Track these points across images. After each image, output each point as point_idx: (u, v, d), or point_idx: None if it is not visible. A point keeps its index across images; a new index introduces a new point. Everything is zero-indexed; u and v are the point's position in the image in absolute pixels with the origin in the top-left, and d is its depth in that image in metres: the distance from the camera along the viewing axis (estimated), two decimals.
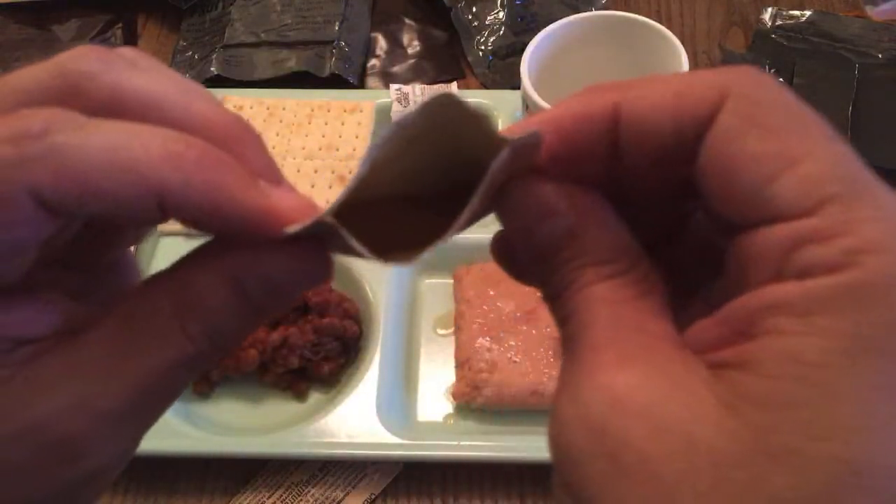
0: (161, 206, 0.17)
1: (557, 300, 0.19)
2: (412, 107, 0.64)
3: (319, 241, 0.19)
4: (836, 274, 0.15)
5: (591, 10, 0.66)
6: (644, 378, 0.17)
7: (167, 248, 0.56)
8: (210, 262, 0.19)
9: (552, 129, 0.19)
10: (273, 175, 0.20)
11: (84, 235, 0.20)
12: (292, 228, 0.18)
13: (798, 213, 0.16)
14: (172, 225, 0.19)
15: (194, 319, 0.19)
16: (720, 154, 0.17)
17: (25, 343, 0.18)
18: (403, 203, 0.20)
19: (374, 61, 0.74)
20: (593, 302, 0.18)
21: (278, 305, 0.20)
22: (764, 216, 0.17)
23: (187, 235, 0.19)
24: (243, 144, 0.19)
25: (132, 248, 0.24)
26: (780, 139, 0.17)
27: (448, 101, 0.17)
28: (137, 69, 0.19)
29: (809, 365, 0.15)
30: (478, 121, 0.17)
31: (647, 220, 0.21)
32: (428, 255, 0.18)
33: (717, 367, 0.17)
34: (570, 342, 0.18)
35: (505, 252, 0.22)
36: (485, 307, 0.53)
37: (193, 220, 0.18)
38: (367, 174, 0.18)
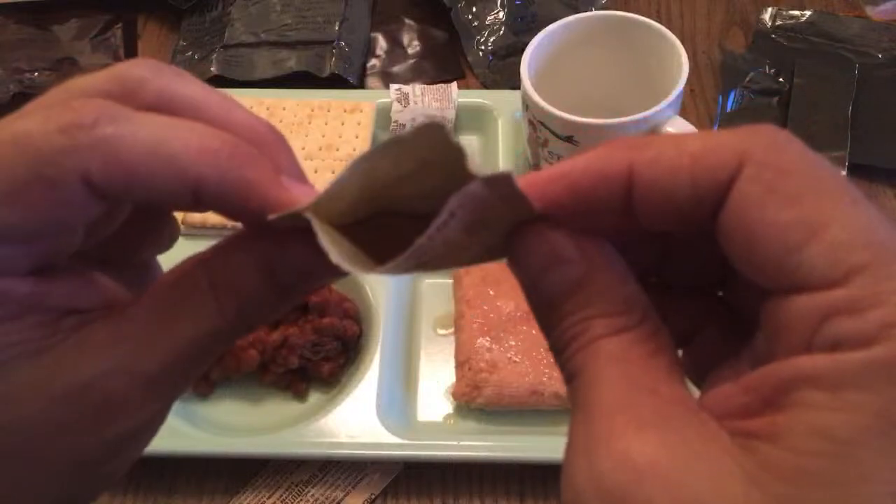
0: (196, 195, 0.19)
1: (564, 353, 0.19)
2: (412, 106, 0.65)
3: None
4: (868, 348, 0.15)
5: (591, 10, 0.66)
6: (662, 447, 0.16)
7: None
8: (245, 246, 0.21)
9: (565, 184, 0.19)
10: (297, 174, 0.22)
11: (121, 235, 0.22)
12: (275, 215, 0.19)
13: (827, 284, 0.16)
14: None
15: (228, 296, 0.20)
16: (741, 222, 0.17)
17: (73, 313, 0.20)
18: (401, 225, 0.20)
19: (374, 61, 0.74)
20: (602, 359, 0.18)
21: (303, 292, 0.22)
22: (792, 285, 0.16)
23: (189, 236, 0.20)
24: (273, 147, 0.21)
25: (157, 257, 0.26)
26: (802, 206, 0.16)
27: (435, 128, 0.18)
28: (184, 79, 0.21)
29: (839, 442, 0.15)
30: (456, 154, 0.18)
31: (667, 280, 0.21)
32: (391, 272, 0.19)
33: (742, 436, 0.16)
34: (580, 400, 0.18)
35: None
36: (485, 307, 0.53)
37: (224, 209, 0.20)
38: (356, 181, 0.19)
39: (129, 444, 0.22)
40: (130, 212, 0.22)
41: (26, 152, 0.18)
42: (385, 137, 0.64)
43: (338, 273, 0.20)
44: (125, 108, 0.19)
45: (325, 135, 0.62)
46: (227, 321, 0.21)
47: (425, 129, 0.18)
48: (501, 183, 0.18)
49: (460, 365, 0.52)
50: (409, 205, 0.21)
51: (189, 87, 0.21)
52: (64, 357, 0.20)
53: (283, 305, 0.22)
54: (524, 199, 0.19)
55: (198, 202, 0.19)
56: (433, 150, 0.18)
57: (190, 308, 0.20)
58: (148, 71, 0.21)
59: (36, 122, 0.18)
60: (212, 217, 0.54)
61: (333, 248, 0.18)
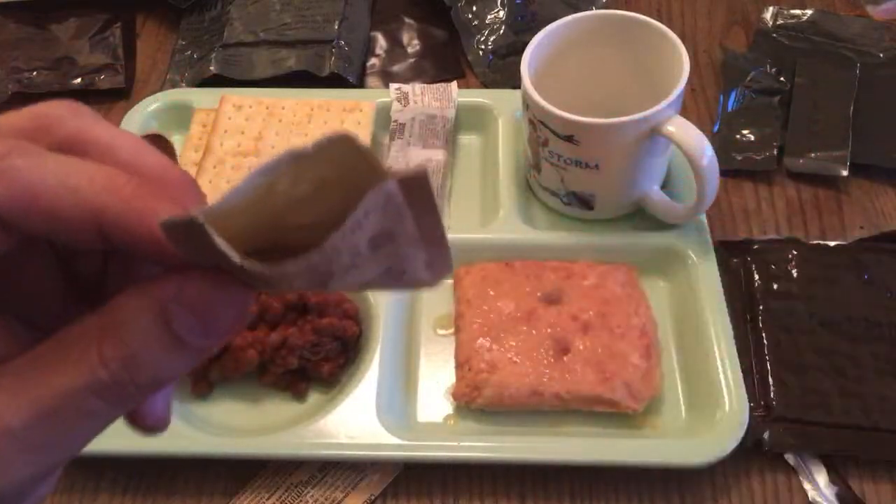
0: (100, 229, 0.19)
1: None
2: (412, 105, 0.64)
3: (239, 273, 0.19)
4: None
5: (592, 9, 0.65)
6: None
7: None
8: (138, 289, 0.20)
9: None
10: None
11: (42, 286, 0.22)
12: (165, 218, 0.18)
13: None
14: None
15: (112, 344, 0.19)
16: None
17: None
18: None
19: (373, 60, 0.74)
20: None
21: (203, 341, 0.20)
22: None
23: None
24: (183, 189, 0.21)
25: None
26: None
27: (342, 138, 0.17)
28: (101, 122, 0.21)
29: None
30: (365, 156, 0.18)
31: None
32: (295, 281, 0.18)
33: None
34: None
35: None
36: (485, 307, 0.53)
37: (130, 242, 0.19)
38: (255, 195, 0.18)
39: None
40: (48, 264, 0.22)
41: None
42: (385, 137, 0.64)
43: (240, 313, 0.20)
44: (37, 146, 0.19)
45: (324, 134, 0.62)
46: (110, 374, 0.19)
47: (329, 142, 0.18)
48: (417, 183, 0.18)
49: (460, 365, 0.51)
50: (300, 238, 0.19)
51: (105, 129, 0.21)
52: None
53: (181, 360, 0.20)
54: (435, 210, 0.19)
55: (103, 237, 0.19)
56: (335, 164, 0.18)
57: (68, 357, 0.19)
58: (66, 111, 0.21)
59: None
60: None
61: (231, 251, 0.17)
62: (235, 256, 0.17)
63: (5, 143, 0.19)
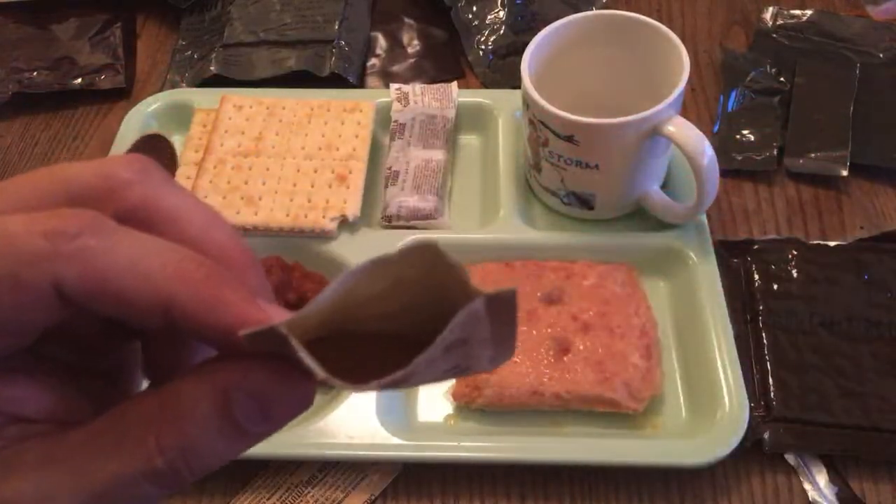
0: (167, 314, 0.19)
1: None
2: (412, 106, 0.64)
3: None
4: None
5: (592, 10, 0.65)
6: None
7: None
8: (201, 374, 0.19)
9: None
10: (268, 297, 0.21)
11: (103, 346, 0.22)
12: (248, 330, 0.18)
13: None
14: None
15: (170, 433, 0.19)
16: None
17: (20, 421, 0.19)
18: (388, 344, 0.20)
19: (374, 60, 0.74)
20: None
21: (262, 429, 0.20)
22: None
23: None
24: (248, 271, 0.21)
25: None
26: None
27: (430, 249, 0.17)
28: (170, 186, 0.21)
29: None
30: (453, 270, 0.18)
31: None
32: (379, 391, 0.18)
33: None
34: None
35: None
36: None
37: (196, 329, 0.19)
38: (337, 299, 0.18)
39: None
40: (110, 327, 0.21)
41: (6, 251, 0.18)
42: (385, 137, 0.64)
43: (302, 403, 0.19)
44: (110, 221, 0.19)
45: (324, 134, 0.62)
46: (166, 462, 0.18)
47: (416, 250, 0.18)
48: (504, 302, 0.18)
49: None
50: (365, 324, 0.20)
51: (173, 197, 0.21)
52: None
53: (237, 447, 0.20)
54: (513, 322, 0.19)
55: (169, 322, 0.19)
56: (416, 268, 0.18)
57: (125, 441, 0.19)
58: (136, 174, 0.20)
59: (21, 222, 0.18)
60: None
61: (313, 362, 0.17)
62: (320, 372, 0.17)
63: (75, 217, 0.19)
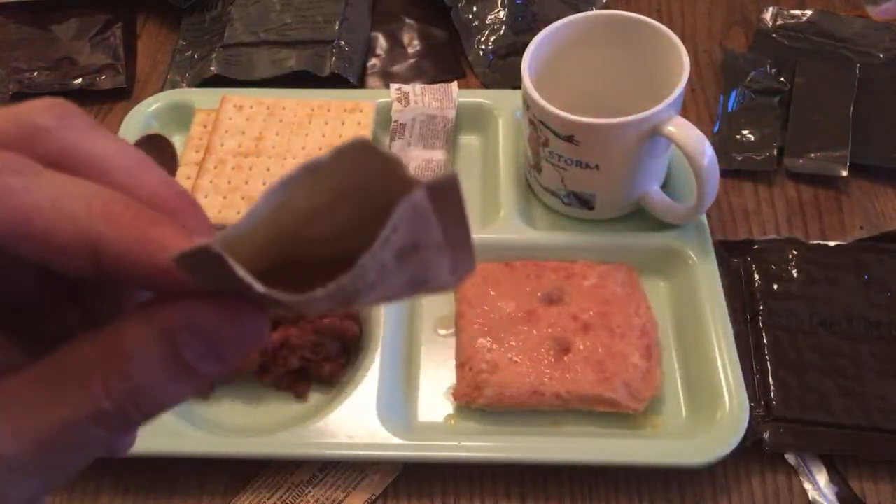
0: (94, 257, 0.18)
1: None
2: (412, 106, 0.64)
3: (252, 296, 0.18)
4: None
5: (592, 10, 0.65)
6: None
7: None
8: (143, 314, 0.18)
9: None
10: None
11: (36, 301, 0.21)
12: (177, 252, 0.16)
13: None
14: None
15: (117, 376, 0.18)
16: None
17: None
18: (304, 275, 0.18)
19: (374, 61, 0.74)
20: None
21: (213, 367, 0.19)
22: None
23: None
24: (185, 213, 0.20)
25: None
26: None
27: (360, 145, 0.16)
28: (94, 132, 0.20)
29: None
30: (389, 164, 0.17)
31: None
32: (322, 303, 0.17)
33: None
34: None
35: None
36: (485, 307, 0.53)
37: (128, 271, 0.18)
38: (273, 214, 0.17)
39: None
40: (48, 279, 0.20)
41: None
42: (385, 137, 0.64)
43: (254, 339, 0.18)
44: (32, 162, 0.18)
45: (325, 134, 0.62)
46: (115, 405, 0.18)
47: (346, 150, 0.16)
48: (447, 191, 0.16)
49: (461, 365, 0.51)
50: (311, 251, 0.18)
51: (96, 142, 0.19)
52: None
53: (189, 387, 0.19)
54: (464, 217, 0.17)
55: (98, 266, 0.18)
56: (353, 173, 0.17)
57: (71, 386, 0.18)
58: (55, 119, 0.19)
59: None
60: None
61: (254, 281, 0.16)
62: (259, 286, 0.16)
63: (1, 156, 0.18)
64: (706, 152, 0.50)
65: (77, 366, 0.18)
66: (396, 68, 0.73)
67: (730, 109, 0.67)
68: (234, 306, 0.18)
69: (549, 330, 0.51)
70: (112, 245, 0.18)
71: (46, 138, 0.19)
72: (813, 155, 0.63)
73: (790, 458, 0.49)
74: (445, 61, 0.73)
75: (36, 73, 0.72)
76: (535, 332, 0.51)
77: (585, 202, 0.57)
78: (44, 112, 0.19)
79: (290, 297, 0.16)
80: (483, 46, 0.72)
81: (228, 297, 0.18)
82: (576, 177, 0.55)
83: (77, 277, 0.19)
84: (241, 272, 0.16)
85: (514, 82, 0.66)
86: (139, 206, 0.18)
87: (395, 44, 0.75)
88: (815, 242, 0.57)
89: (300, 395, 0.52)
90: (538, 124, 0.53)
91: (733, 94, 0.67)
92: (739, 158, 0.63)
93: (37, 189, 0.18)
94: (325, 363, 0.51)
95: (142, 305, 0.19)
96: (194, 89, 0.70)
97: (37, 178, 0.18)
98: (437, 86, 0.66)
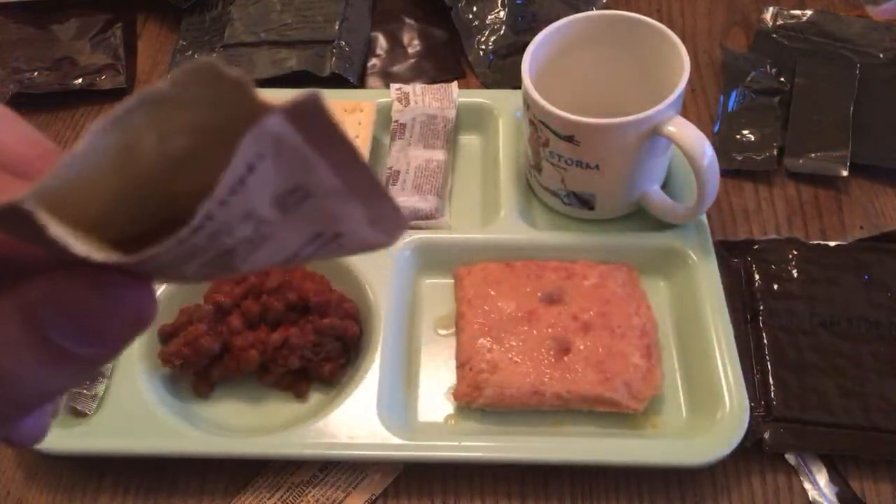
0: None
1: None
2: (412, 106, 0.64)
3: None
4: None
5: (592, 10, 0.65)
6: None
7: None
8: (2, 292, 0.16)
9: None
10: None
11: None
12: None
13: None
14: None
15: None
16: None
17: None
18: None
19: (374, 61, 0.74)
20: None
21: (91, 349, 0.16)
22: None
23: None
24: (34, 163, 0.17)
25: None
26: None
27: (201, 68, 0.13)
28: None
29: None
30: (239, 88, 0.14)
31: None
32: (177, 260, 0.14)
33: None
34: None
35: None
36: (485, 307, 0.53)
37: None
38: (111, 166, 0.14)
39: None
40: None
41: None
42: (385, 137, 0.64)
43: (136, 314, 0.16)
44: None
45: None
46: None
47: (188, 75, 0.13)
48: (309, 113, 0.13)
49: (461, 365, 0.51)
50: (188, 207, 0.15)
51: None
52: None
53: (67, 371, 0.16)
54: (353, 152, 0.15)
55: None
56: (209, 106, 0.14)
57: None
58: None
59: None
60: None
61: (70, 238, 0.13)
62: (75, 245, 0.13)
63: None
64: (706, 152, 0.50)
65: None
66: (396, 68, 0.73)
67: (730, 109, 0.67)
68: (104, 277, 0.15)
69: (550, 330, 0.51)
70: None
71: None
72: (813, 155, 0.63)
73: (790, 458, 0.49)
74: (445, 61, 0.73)
75: (36, 73, 0.72)
76: (535, 332, 0.51)
77: (585, 202, 0.57)
78: None
79: (120, 259, 0.14)
80: (483, 46, 0.72)
81: (99, 269, 0.15)
82: (576, 177, 0.55)
83: None
84: (55, 229, 0.13)
85: (515, 82, 0.66)
86: None
87: (396, 44, 0.75)
88: (815, 242, 0.57)
89: (300, 395, 0.52)
90: (538, 124, 0.53)
91: (733, 94, 0.67)
92: (739, 158, 0.63)
93: None
94: (325, 363, 0.51)
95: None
96: None
97: None
98: (438, 86, 0.66)
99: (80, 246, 0.13)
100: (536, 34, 0.55)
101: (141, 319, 0.16)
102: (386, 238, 0.17)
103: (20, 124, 0.17)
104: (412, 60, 0.73)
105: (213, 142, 0.14)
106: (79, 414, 0.49)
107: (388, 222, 0.17)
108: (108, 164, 0.14)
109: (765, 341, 0.52)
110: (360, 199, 0.16)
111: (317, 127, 0.14)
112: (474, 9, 0.74)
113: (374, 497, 0.49)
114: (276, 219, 0.14)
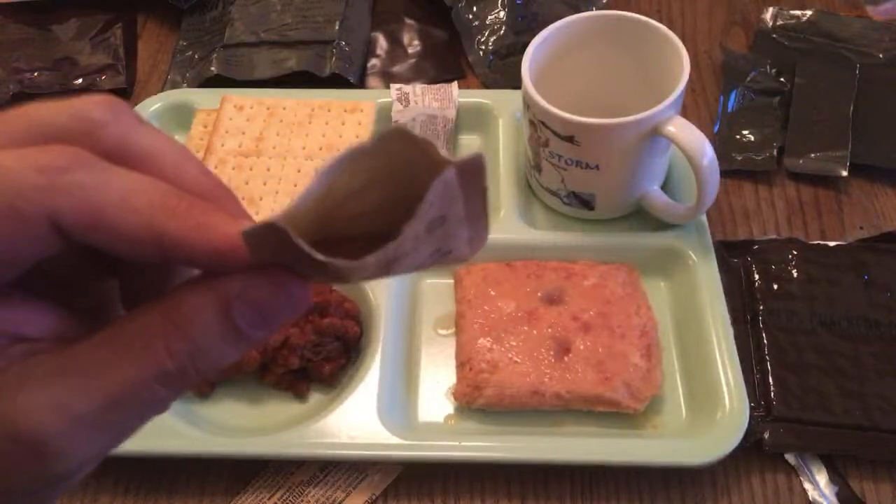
0: (160, 246, 0.20)
1: None
2: (412, 106, 0.64)
3: (295, 271, 0.20)
4: None
5: (592, 10, 0.65)
6: None
7: None
8: (201, 286, 0.21)
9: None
10: (249, 220, 0.22)
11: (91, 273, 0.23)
12: (248, 227, 0.19)
13: None
14: None
15: (179, 337, 0.20)
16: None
17: (22, 341, 0.20)
18: (368, 245, 0.20)
19: (374, 61, 0.74)
20: None
21: (260, 332, 0.21)
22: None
23: None
24: (224, 200, 0.22)
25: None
26: None
27: (401, 130, 0.18)
28: (142, 126, 0.22)
29: None
30: (422, 145, 0.18)
31: None
32: (370, 271, 0.19)
33: None
34: None
35: None
36: (485, 307, 0.53)
37: (190, 258, 0.20)
38: (321, 194, 0.19)
39: (62, 484, 0.20)
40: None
41: (2, 186, 0.19)
42: None
43: (297, 307, 0.21)
44: (97, 158, 0.20)
45: (325, 135, 0.62)
46: (176, 364, 0.20)
47: (387, 135, 0.18)
48: (473, 169, 0.18)
49: (461, 365, 0.51)
50: (347, 226, 0.20)
51: (146, 137, 0.22)
52: (3, 387, 0.19)
53: (238, 348, 0.21)
54: (484, 192, 0.20)
55: (163, 252, 0.20)
56: (390, 156, 0.18)
57: (136, 348, 0.20)
58: (109, 114, 0.21)
59: (12, 157, 0.19)
60: None
61: (314, 252, 0.18)
62: (319, 256, 0.18)
63: (64, 153, 0.19)
64: (706, 152, 0.50)
65: (140, 331, 0.20)
66: (396, 68, 0.73)
67: (730, 110, 0.67)
68: (282, 278, 0.20)
69: (550, 330, 0.51)
70: (173, 234, 0.20)
71: (103, 133, 0.21)
72: (813, 155, 0.63)
73: (790, 458, 0.49)
74: (445, 61, 0.73)
75: (36, 74, 0.72)
76: (535, 332, 0.51)
77: (585, 202, 0.57)
78: (99, 107, 0.21)
79: (347, 264, 0.18)
80: (483, 47, 0.72)
81: (275, 271, 0.20)
82: (576, 177, 0.55)
83: (143, 261, 0.21)
84: (304, 244, 0.18)
85: (515, 82, 0.66)
86: (191, 197, 0.20)
87: (396, 44, 0.75)
88: (815, 242, 0.57)
89: (300, 395, 0.52)
90: (538, 125, 0.53)
91: (733, 95, 0.67)
92: (739, 158, 0.63)
93: (106, 185, 0.19)
94: (325, 363, 0.51)
95: (197, 279, 0.21)
96: (195, 89, 0.70)
97: (104, 174, 0.20)
98: (438, 86, 0.66)
99: (320, 256, 0.18)
100: (536, 34, 0.55)
101: (301, 310, 0.21)
102: (471, 253, 0.22)
103: (196, 159, 0.22)
104: (412, 60, 0.73)
105: (380, 181, 0.19)
106: None
107: (477, 241, 0.22)
108: (319, 195, 0.19)
109: (765, 341, 0.52)
110: (470, 223, 0.21)
111: (472, 177, 0.19)
112: (474, 9, 0.74)
113: (374, 497, 0.49)
114: (424, 238, 0.19)
